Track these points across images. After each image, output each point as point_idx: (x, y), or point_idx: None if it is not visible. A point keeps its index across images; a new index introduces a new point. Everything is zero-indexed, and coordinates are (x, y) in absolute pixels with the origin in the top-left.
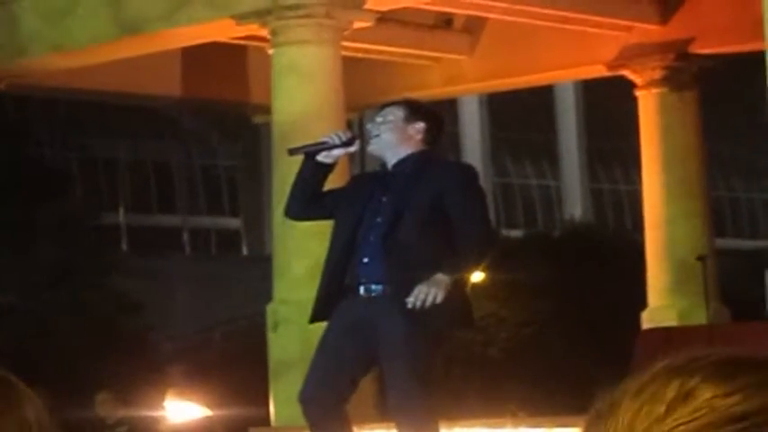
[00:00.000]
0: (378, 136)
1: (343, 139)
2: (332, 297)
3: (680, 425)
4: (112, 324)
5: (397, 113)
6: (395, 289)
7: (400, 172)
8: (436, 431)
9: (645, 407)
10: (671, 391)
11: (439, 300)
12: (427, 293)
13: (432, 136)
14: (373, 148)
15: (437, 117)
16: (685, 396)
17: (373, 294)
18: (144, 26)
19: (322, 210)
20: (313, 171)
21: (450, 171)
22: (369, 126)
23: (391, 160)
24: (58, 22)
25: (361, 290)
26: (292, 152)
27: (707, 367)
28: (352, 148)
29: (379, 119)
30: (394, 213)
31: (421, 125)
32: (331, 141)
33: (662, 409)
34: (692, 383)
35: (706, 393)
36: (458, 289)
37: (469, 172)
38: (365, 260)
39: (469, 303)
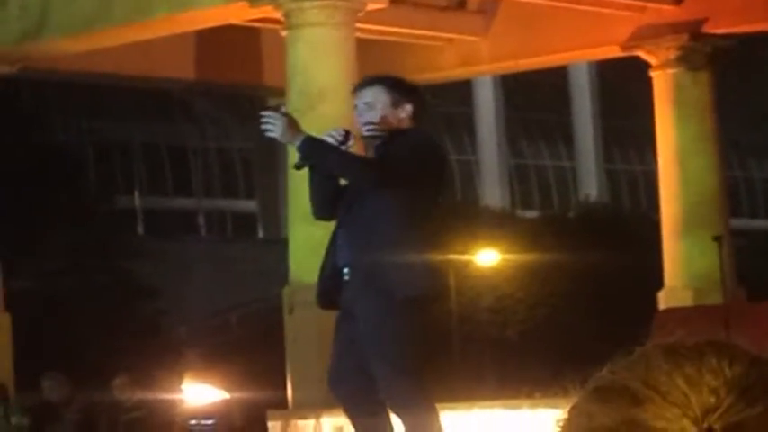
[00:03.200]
0: (369, 123)
1: (339, 138)
2: (327, 282)
3: None
4: (129, 308)
5: (383, 99)
6: (359, 272)
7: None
8: (427, 409)
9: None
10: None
11: (269, 127)
12: (270, 118)
13: (418, 115)
14: (366, 134)
15: (420, 95)
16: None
17: (345, 278)
18: (158, 9)
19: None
20: (321, 177)
21: (407, 138)
22: (356, 113)
23: (376, 140)
24: (71, 6)
25: (343, 274)
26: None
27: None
28: (350, 143)
29: (362, 105)
30: (359, 195)
31: (409, 108)
32: (331, 143)
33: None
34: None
35: None
36: (419, 255)
37: (411, 133)
38: (339, 243)
39: (438, 271)
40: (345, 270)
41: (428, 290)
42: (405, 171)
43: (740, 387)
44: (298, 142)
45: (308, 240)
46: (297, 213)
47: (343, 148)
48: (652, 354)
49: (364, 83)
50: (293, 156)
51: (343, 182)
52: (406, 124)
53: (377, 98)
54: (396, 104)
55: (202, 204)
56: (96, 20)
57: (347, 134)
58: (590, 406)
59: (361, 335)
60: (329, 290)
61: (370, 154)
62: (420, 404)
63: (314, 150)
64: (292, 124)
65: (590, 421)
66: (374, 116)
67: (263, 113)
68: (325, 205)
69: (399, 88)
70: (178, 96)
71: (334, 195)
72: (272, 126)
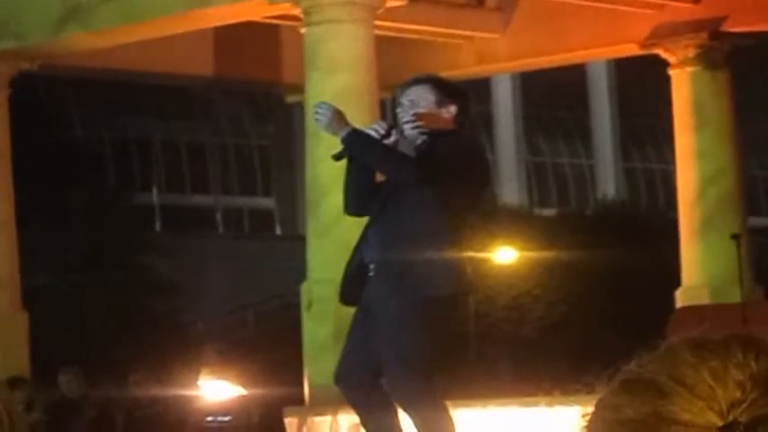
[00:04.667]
0: (410, 120)
1: (381, 131)
2: (353, 278)
3: None
4: (146, 304)
5: (428, 97)
6: (386, 269)
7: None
8: (436, 407)
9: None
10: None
11: (319, 117)
12: (319, 108)
13: (462, 117)
14: (408, 133)
15: (466, 97)
16: None
17: (371, 274)
18: (177, 6)
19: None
20: (360, 169)
21: (450, 140)
22: (399, 111)
23: (419, 139)
24: (89, 2)
25: (369, 269)
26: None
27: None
28: (392, 138)
29: (406, 102)
30: (391, 193)
31: (453, 108)
32: (373, 136)
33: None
34: None
35: None
36: (442, 251)
37: (457, 136)
38: (370, 239)
39: (462, 266)
40: (371, 266)
41: (454, 290)
42: (447, 172)
43: (766, 381)
44: (343, 134)
45: (325, 237)
46: (314, 210)
47: (385, 141)
48: (678, 347)
49: (410, 81)
50: (310, 153)
51: (379, 179)
52: (449, 125)
53: (421, 96)
54: (440, 104)
55: (220, 201)
56: (116, 17)
57: (390, 128)
58: (617, 399)
59: (379, 332)
60: (353, 286)
61: (410, 152)
62: (429, 402)
63: (357, 143)
64: (339, 116)
65: (616, 414)
66: (416, 112)
67: (316, 104)
68: (359, 200)
69: (444, 88)
70: (197, 93)
71: (369, 191)
72: (321, 116)
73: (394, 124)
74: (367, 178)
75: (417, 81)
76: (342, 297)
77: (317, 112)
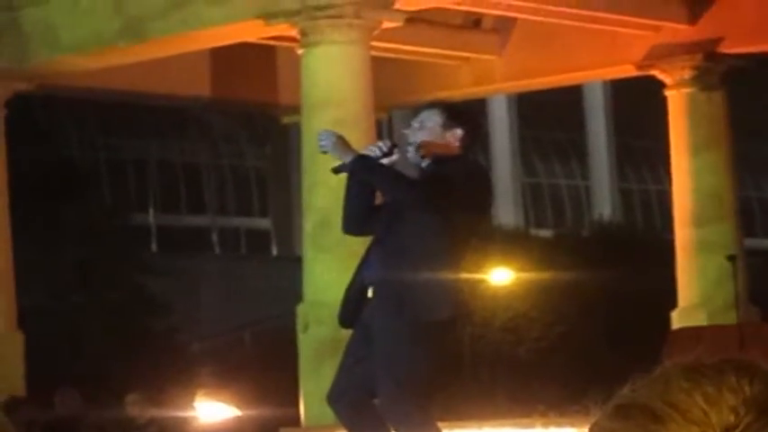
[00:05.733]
0: (415, 143)
1: (384, 149)
2: (352, 301)
3: None
4: (141, 324)
5: (435, 119)
6: (386, 291)
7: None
8: (427, 428)
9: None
10: None
11: (323, 143)
12: (323, 135)
13: (469, 141)
14: (411, 155)
15: (475, 122)
16: None
17: (369, 296)
18: (173, 27)
19: (378, 223)
20: (360, 187)
21: (456, 164)
22: (406, 132)
23: (424, 163)
24: (85, 23)
25: (368, 291)
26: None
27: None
28: (394, 157)
29: (416, 124)
30: (398, 214)
31: (459, 132)
32: (373, 154)
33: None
34: None
35: None
36: (441, 275)
37: (464, 160)
38: (371, 260)
39: (460, 289)
40: (371, 287)
41: (452, 314)
42: (452, 196)
43: (760, 405)
44: (348, 159)
45: (321, 258)
46: (311, 231)
47: (386, 160)
48: (672, 372)
49: (422, 106)
50: (307, 174)
51: (379, 200)
52: (455, 148)
53: (428, 118)
54: (446, 127)
55: (216, 222)
56: (112, 37)
57: (393, 147)
58: (611, 424)
59: (375, 353)
60: (353, 309)
61: (411, 171)
62: (420, 424)
63: (363, 168)
64: (342, 141)
65: None
66: (423, 136)
67: (319, 132)
68: (357, 220)
69: (451, 112)
70: (193, 114)
71: (368, 210)
72: (325, 143)
73: (396, 143)
74: (367, 197)
75: (428, 105)
76: (341, 320)
77: (320, 140)
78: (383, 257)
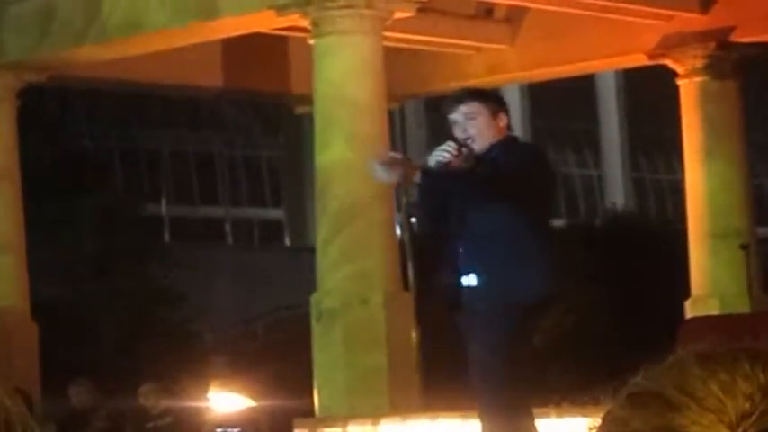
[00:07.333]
0: (473, 135)
1: (453, 151)
2: (448, 293)
3: None
4: (155, 315)
5: (483, 110)
6: (485, 284)
7: (488, 158)
8: (509, 422)
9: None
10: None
11: (379, 176)
12: (376, 167)
13: (509, 123)
14: (476, 147)
15: (507, 105)
16: None
17: (467, 288)
18: (185, 18)
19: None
20: (430, 195)
21: (516, 148)
22: (455, 126)
23: (479, 151)
24: (98, 14)
25: (462, 284)
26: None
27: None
28: (465, 150)
29: (461, 117)
30: (473, 208)
31: (504, 117)
32: (444, 159)
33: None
34: None
35: None
36: (542, 263)
37: (525, 145)
38: (460, 255)
39: (557, 276)
40: (467, 281)
41: (548, 295)
42: (526, 181)
43: None
44: (417, 180)
45: (334, 248)
46: (323, 220)
47: (457, 157)
48: (686, 360)
49: (460, 97)
50: (319, 164)
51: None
52: (502, 134)
53: (477, 110)
54: (494, 115)
55: (229, 212)
56: (125, 29)
57: (460, 145)
58: (625, 412)
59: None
60: (453, 300)
61: (467, 164)
62: (501, 415)
63: (433, 181)
64: (400, 162)
65: (625, 427)
66: (475, 126)
67: (373, 164)
68: (433, 220)
69: (495, 99)
70: (206, 104)
71: (442, 209)
72: (380, 174)
73: (457, 139)
74: (439, 198)
75: (468, 96)
76: (449, 308)
77: (375, 172)
78: (473, 250)
